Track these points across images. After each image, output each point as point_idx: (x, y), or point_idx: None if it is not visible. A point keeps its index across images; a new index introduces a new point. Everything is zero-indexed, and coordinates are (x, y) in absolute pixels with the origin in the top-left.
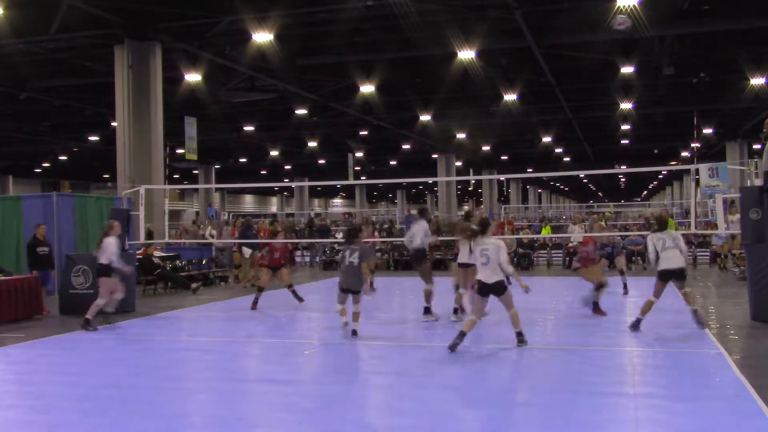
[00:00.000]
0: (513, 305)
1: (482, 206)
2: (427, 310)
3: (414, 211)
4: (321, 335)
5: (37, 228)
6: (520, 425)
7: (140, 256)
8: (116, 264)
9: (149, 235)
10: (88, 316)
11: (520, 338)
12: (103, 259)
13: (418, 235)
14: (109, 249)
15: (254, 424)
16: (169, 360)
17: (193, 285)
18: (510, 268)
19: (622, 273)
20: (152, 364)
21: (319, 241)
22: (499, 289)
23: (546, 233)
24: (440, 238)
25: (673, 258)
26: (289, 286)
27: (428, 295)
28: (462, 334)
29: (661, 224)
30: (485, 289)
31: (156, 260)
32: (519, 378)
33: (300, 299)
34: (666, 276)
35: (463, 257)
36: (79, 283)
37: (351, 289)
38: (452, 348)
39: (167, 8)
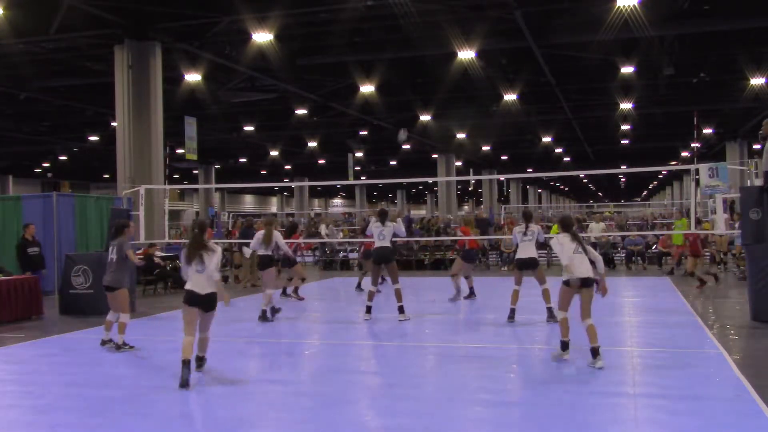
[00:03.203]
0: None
1: (482, 206)
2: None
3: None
4: (321, 335)
5: (26, 228)
6: (520, 425)
7: (141, 256)
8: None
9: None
10: None
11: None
12: None
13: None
14: None
15: (254, 424)
16: (169, 360)
17: None
18: (216, 275)
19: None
20: (152, 364)
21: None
22: (208, 302)
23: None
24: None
25: None
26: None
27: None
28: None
29: None
30: (195, 300)
31: (157, 260)
32: (519, 378)
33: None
34: None
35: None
36: (79, 283)
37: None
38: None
39: (167, 8)
